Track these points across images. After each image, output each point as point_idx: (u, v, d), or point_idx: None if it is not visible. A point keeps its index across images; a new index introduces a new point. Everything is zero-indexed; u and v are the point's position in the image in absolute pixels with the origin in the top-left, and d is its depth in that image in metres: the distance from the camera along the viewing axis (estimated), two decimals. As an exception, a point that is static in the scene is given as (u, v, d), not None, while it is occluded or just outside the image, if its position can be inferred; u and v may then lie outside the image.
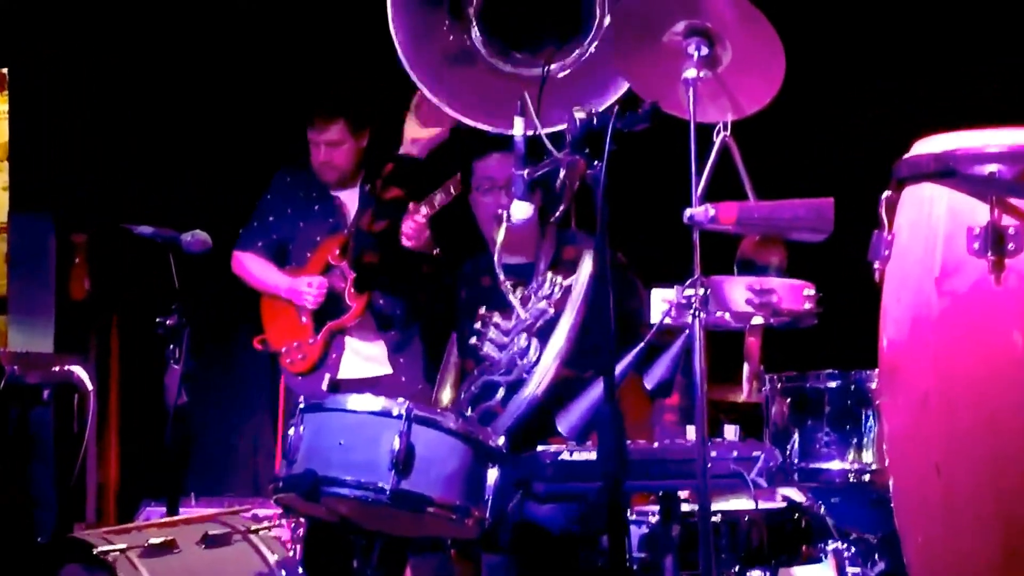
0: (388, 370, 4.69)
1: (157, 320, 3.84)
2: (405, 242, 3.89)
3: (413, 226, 3.86)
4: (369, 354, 4.71)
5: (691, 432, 3.36)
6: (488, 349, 3.64)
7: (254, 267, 4.80)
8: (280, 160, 5.00)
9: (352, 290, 4.65)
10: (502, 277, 3.54)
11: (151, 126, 5.56)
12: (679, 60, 2.93)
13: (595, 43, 3.43)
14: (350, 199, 4.75)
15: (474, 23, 3.48)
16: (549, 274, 3.67)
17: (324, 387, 4.64)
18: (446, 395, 3.91)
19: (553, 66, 3.44)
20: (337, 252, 4.68)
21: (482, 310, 3.68)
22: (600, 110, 2.70)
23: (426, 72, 3.41)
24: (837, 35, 4.82)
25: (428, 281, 3.80)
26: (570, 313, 3.57)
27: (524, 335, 3.59)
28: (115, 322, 5.66)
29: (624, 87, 3.27)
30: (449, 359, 3.95)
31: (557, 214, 3.64)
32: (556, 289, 3.63)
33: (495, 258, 3.52)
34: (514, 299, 3.61)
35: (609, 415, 2.57)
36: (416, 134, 3.66)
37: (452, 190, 4.20)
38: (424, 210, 4.02)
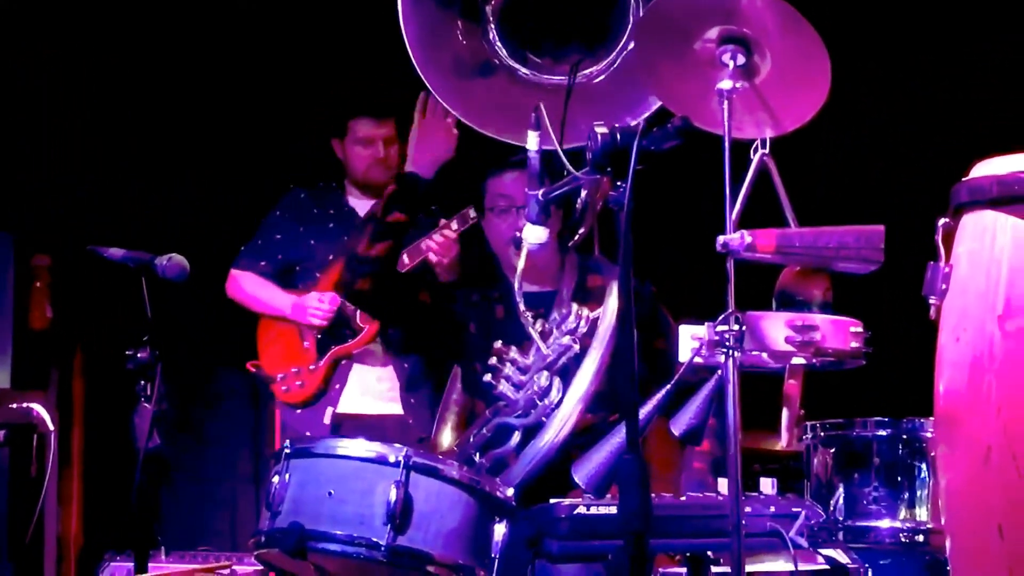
0: (396, 408, 4.70)
1: (127, 353, 3.84)
2: (432, 257, 3.89)
3: (442, 241, 3.88)
4: (377, 388, 4.72)
5: (723, 485, 3.36)
6: (504, 388, 3.63)
7: (253, 287, 4.83)
8: (266, 178, 5.03)
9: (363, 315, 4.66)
10: (522, 307, 3.53)
11: (122, 138, 5.58)
12: (712, 70, 2.94)
13: (629, 47, 3.43)
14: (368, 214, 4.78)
15: (491, 23, 3.49)
16: (574, 306, 3.65)
17: (327, 421, 4.65)
18: (446, 438, 3.90)
19: (581, 74, 3.45)
20: None
21: (497, 344, 3.66)
22: (625, 125, 2.70)
23: (441, 81, 3.42)
24: (889, 43, 4.84)
25: (429, 311, 3.79)
26: (597, 350, 3.55)
27: (545, 373, 3.58)
28: (79, 355, 5.67)
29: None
30: (450, 397, 3.94)
31: (577, 238, 3.68)
32: (582, 323, 3.61)
33: (515, 286, 3.52)
34: (534, 333, 3.59)
35: (632, 465, 2.57)
36: (421, 149, 3.67)
37: (468, 218, 4.26)
38: (455, 225, 4.05)
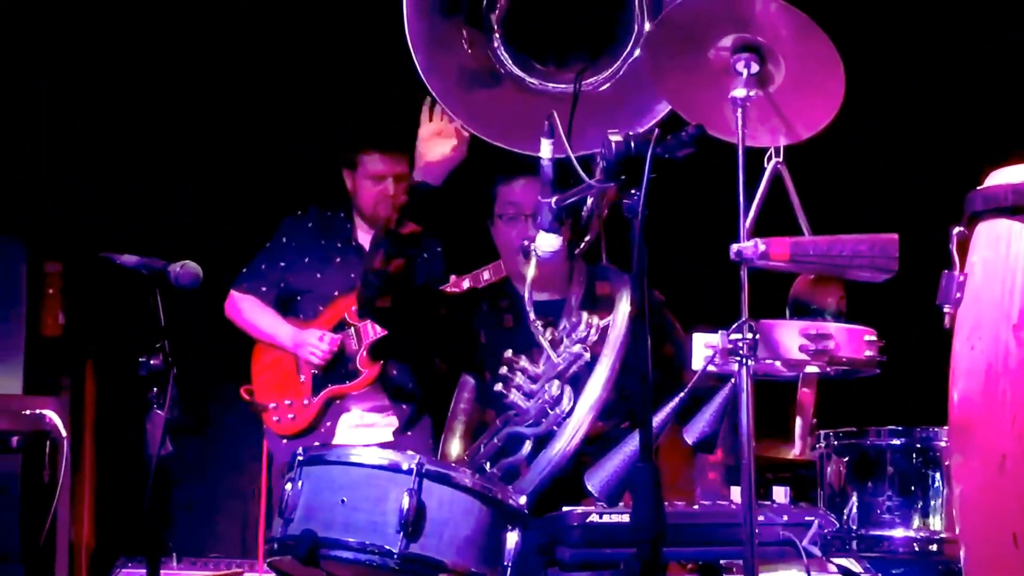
0: (387, 436, 4.65)
1: (140, 360, 3.84)
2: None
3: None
4: (370, 431, 4.66)
5: (736, 493, 3.36)
6: (514, 397, 3.62)
7: (252, 311, 4.77)
8: (277, 188, 5.02)
9: (365, 355, 4.63)
10: (532, 316, 3.53)
11: (134, 145, 5.60)
12: (726, 78, 2.95)
13: (635, 54, 3.43)
14: None
15: (496, 32, 3.50)
16: (584, 314, 3.65)
17: None
18: (454, 447, 3.90)
19: (587, 81, 3.45)
20: (355, 309, 4.67)
21: (508, 353, 3.65)
22: (639, 134, 2.70)
23: (447, 89, 3.43)
24: (903, 51, 4.84)
25: (446, 324, 3.79)
26: (608, 359, 3.55)
27: (556, 382, 3.56)
28: (91, 362, 5.67)
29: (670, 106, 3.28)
30: (457, 406, 3.93)
31: (583, 246, 3.68)
32: (592, 331, 3.60)
33: (526, 295, 3.52)
34: (544, 341, 3.59)
35: (645, 473, 2.57)
36: (429, 157, 3.66)
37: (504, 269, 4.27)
38: (466, 284, 4.04)
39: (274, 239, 4.82)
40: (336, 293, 4.71)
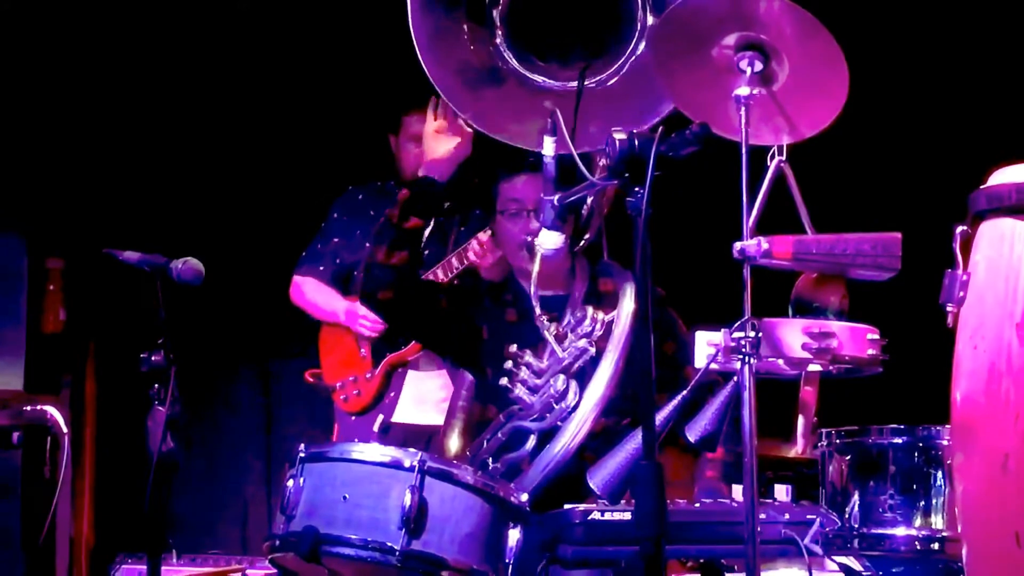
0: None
1: (141, 356, 3.84)
2: (472, 258, 3.86)
3: (478, 250, 3.82)
4: (431, 397, 4.68)
5: (738, 492, 3.36)
6: (519, 392, 3.62)
7: (313, 292, 4.80)
8: (280, 180, 5.02)
9: None
10: (538, 311, 3.53)
11: (136, 140, 5.60)
12: (730, 76, 2.95)
13: (639, 49, 3.43)
14: None
15: (499, 28, 3.50)
16: (589, 309, 3.65)
17: (375, 428, 4.63)
18: (454, 443, 3.90)
19: (591, 78, 3.45)
20: None
21: (512, 348, 3.66)
22: (643, 131, 2.70)
23: (449, 82, 3.43)
24: (906, 49, 4.84)
25: (449, 318, 3.79)
26: (612, 354, 3.55)
27: (562, 377, 3.57)
28: (92, 358, 5.68)
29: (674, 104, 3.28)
30: (455, 403, 3.93)
31: (583, 243, 3.69)
32: (597, 326, 3.61)
33: (531, 290, 3.52)
34: (549, 336, 3.59)
35: (649, 471, 2.57)
36: (434, 153, 3.67)
37: (471, 255, 4.31)
38: (440, 274, 4.04)
39: (327, 218, 4.85)
40: None
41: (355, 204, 4.83)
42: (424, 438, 4.51)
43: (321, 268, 4.80)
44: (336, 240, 4.80)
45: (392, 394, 4.69)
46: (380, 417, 4.64)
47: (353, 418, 4.71)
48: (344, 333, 4.75)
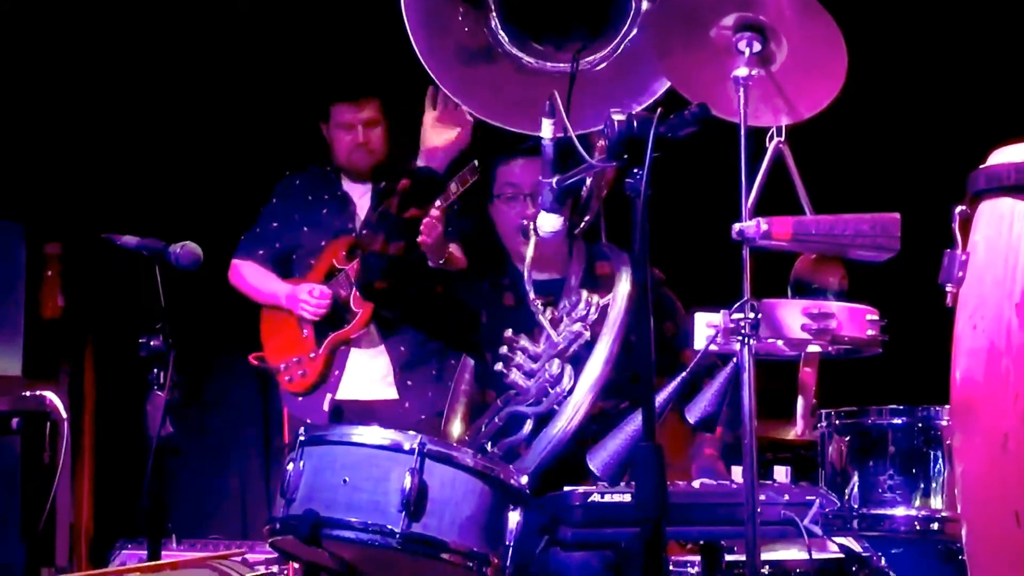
0: (392, 393, 4.70)
1: (140, 341, 3.84)
2: (420, 239, 3.88)
3: (426, 220, 3.83)
4: (374, 372, 4.73)
5: (737, 473, 3.36)
6: (515, 376, 3.62)
7: (252, 276, 4.84)
8: (277, 163, 5.02)
9: (357, 295, 4.66)
10: (532, 295, 3.54)
11: (133, 125, 5.59)
12: (728, 57, 2.95)
13: (632, 33, 3.43)
14: (362, 198, 4.78)
15: (493, 10, 3.49)
16: (584, 292, 3.65)
17: (325, 407, 4.66)
18: (456, 428, 3.90)
19: (584, 61, 3.44)
20: (343, 254, 4.71)
21: (507, 333, 3.66)
22: (641, 112, 2.70)
23: (444, 69, 3.42)
24: (904, 30, 4.83)
25: (445, 305, 3.79)
26: (608, 337, 3.56)
27: (556, 361, 3.57)
28: (90, 343, 5.67)
29: (668, 85, 3.27)
30: (458, 387, 3.93)
31: (583, 225, 3.69)
32: (592, 310, 3.61)
33: (525, 274, 3.53)
34: (544, 320, 3.59)
35: (649, 452, 2.57)
36: (433, 143, 3.66)
37: (468, 176, 4.27)
38: (437, 202, 4.03)
39: (267, 203, 4.88)
40: (323, 243, 4.76)
41: (293, 188, 4.87)
42: (373, 413, 4.54)
43: (260, 252, 4.83)
44: (275, 224, 4.84)
45: (336, 372, 4.72)
46: (328, 396, 4.68)
47: (300, 399, 4.74)
48: (286, 315, 4.77)
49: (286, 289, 4.75)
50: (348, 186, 4.83)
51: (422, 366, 4.72)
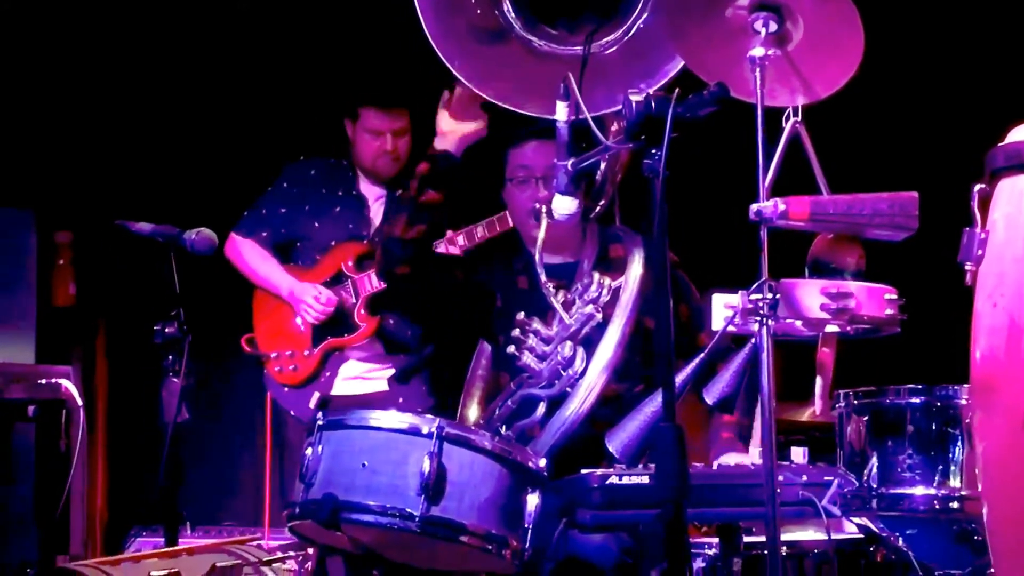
0: (382, 385, 4.71)
1: (155, 328, 3.85)
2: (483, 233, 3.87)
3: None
4: (367, 373, 4.73)
5: (755, 454, 3.37)
6: (527, 359, 3.62)
7: (252, 257, 4.80)
8: (288, 149, 5.01)
9: (362, 310, 4.65)
10: (544, 278, 3.54)
11: (145, 112, 5.58)
12: (744, 37, 2.94)
13: (644, 15, 3.42)
14: (376, 202, 4.77)
15: (505, -7, 3.49)
16: (596, 275, 3.65)
17: (312, 405, 4.65)
18: (473, 412, 3.90)
19: (596, 43, 3.44)
20: (351, 263, 4.69)
21: (520, 316, 3.66)
22: (659, 93, 2.69)
23: (456, 53, 3.41)
24: (921, 7, 4.81)
25: (463, 290, 3.79)
26: (620, 319, 3.56)
27: (568, 343, 3.57)
28: (103, 331, 5.68)
29: (679, 67, 3.27)
30: (476, 371, 3.93)
31: (599, 208, 3.68)
32: (604, 292, 3.61)
33: (536, 257, 3.53)
34: (556, 303, 3.59)
35: (669, 433, 2.57)
36: (449, 127, 3.66)
37: (497, 227, 4.29)
38: (461, 240, 4.05)
39: (276, 184, 4.84)
40: (333, 243, 4.75)
41: (307, 177, 4.83)
42: (365, 404, 4.51)
43: (264, 234, 4.80)
44: (283, 210, 4.80)
45: (328, 374, 4.71)
46: (316, 394, 4.67)
47: (286, 389, 4.73)
48: (283, 304, 4.75)
49: (289, 282, 4.72)
50: (365, 187, 4.79)
51: (420, 374, 4.73)
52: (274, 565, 3.36)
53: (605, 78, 3.37)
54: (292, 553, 4.13)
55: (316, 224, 4.77)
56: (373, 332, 4.67)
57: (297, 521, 3.11)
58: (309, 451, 3.09)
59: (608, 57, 3.47)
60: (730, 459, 3.48)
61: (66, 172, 5.52)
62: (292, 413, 4.72)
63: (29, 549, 4.74)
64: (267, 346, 4.77)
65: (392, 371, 4.74)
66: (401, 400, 4.64)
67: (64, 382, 4.41)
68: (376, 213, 4.76)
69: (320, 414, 3.17)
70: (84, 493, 5.47)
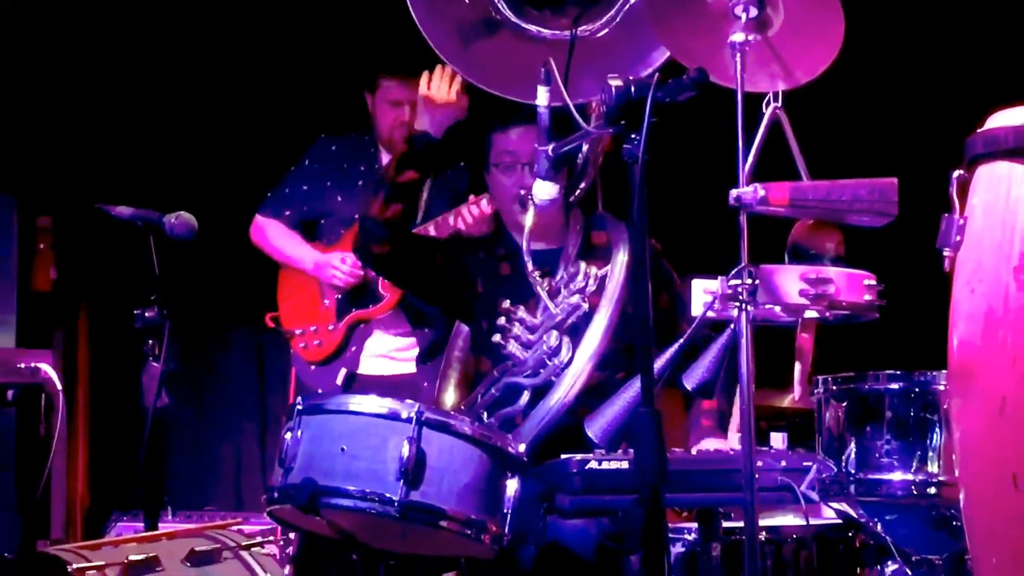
0: (410, 368, 4.69)
1: (135, 312, 3.83)
2: (459, 225, 3.84)
3: (477, 214, 3.82)
4: (394, 352, 4.71)
5: (734, 440, 3.37)
6: (513, 348, 3.62)
7: (277, 236, 4.79)
8: (276, 132, 4.99)
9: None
10: (530, 267, 3.53)
11: (125, 95, 5.56)
12: (725, 22, 2.94)
13: (631, 2, 3.42)
14: None
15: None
16: (582, 264, 3.65)
17: (339, 382, 4.64)
18: (450, 397, 3.91)
19: (583, 28, 3.43)
20: None
21: (505, 304, 3.65)
22: (639, 78, 2.69)
23: (442, 35, 3.41)
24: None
25: (443, 271, 3.78)
26: (606, 309, 3.55)
27: (555, 333, 3.57)
28: (84, 315, 5.66)
29: (668, 53, 3.26)
30: (452, 355, 3.93)
31: (578, 193, 3.68)
32: (590, 281, 3.61)
33: (524, 245, 3.53)
34: (542, 292, 3.59)
35: (648, 418, 2.57)
36: (431, 106, 3.66)
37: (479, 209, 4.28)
38: (485, 203, 4.05)
39: (298, 163, 4.83)
40: (356, 216, 4.72)
41: (328, 154, 4.81)
42: (391, 389, 4.49)
43: (287, 213, 4.79)
44: (305, 188, 4.79)
45: (354, 348, 4.69)
46: (343, 371, 4.65)
47: (312, 367, 4.72)
48: (307, 280, 4.74)
49: (314, 255, 4.70)
50: (385, 160, 4.75)
51: (441, 354, 4.70)
52: (253, 550, 3.35)
53: (597, 63, 3.36)
54: (272, 538, 4.14)
55: (339, 199, 4.75)
56: (397, 303, 4.65)
57: (276, 506, 3.10)
58: (288, 435, 3.08)
59: (599, 42, 3.47)
60: (710, 444, 3.49)
61: (47, 157, 5.49)
62: (319, 391, 4.69)
63: (11, 534, 4.73)
64: (291, 323, 4.77)
65: (417, 351, 4.72)
66: (426, 385, 4.61)
67: (43, 366, 4.39)
68: None
69: (299, 399, 3.17)
70: (64, 477, 5.46)
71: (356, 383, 4.65)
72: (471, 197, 4.36)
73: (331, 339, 4.69)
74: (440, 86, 3.63)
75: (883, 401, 3.13)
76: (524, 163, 3.67)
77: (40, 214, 5.43)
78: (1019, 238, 2.52)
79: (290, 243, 4.77)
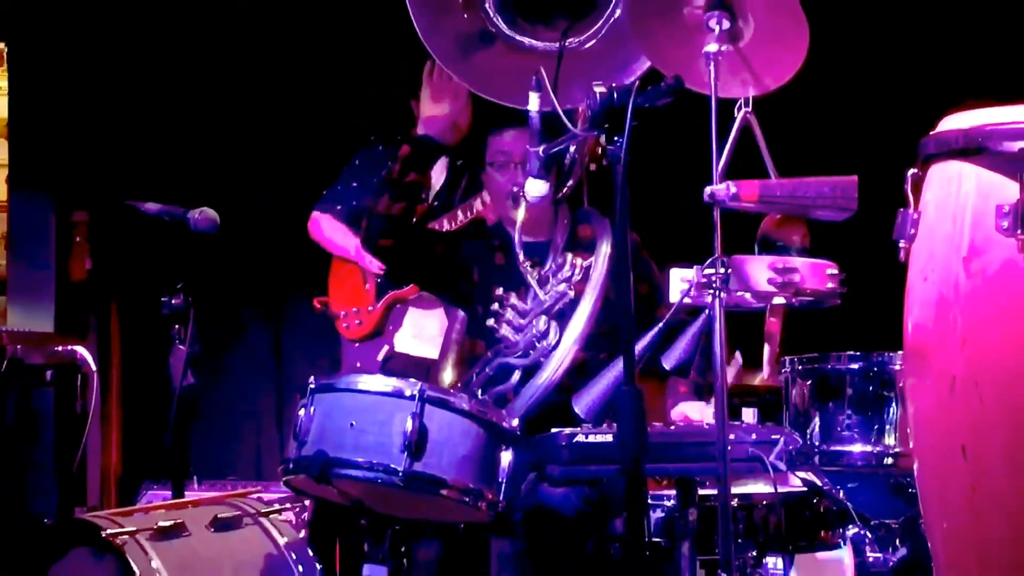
0: (434, 355, 4.70)
1: (162, 300, 3.83)
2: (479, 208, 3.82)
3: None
4: (426, 331, 4.73)
5: (708, 415, 3.38)
6: (505, 331, 3.62)
7: (329, 229, 4.87)
8: (292, 133, 4.99)
9: None
10: (522, 257, 3.54)
11: (154, 99, 5.55)
12: (700, 34, 2.93)
13: (617, 14, 3.41)
14: (437, 170, 4.77)
15: (487, -4, 3.47)
16: (569, 255, 3.65)
17: (379, 358, 4.72)
18: (447, 375, 3.91)
19: (571, 40, 3.42)
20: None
21: (498, 291, 3.66)
22: (621, 85, 2.68)
23: (443, 46, 3.41)
24: (862, 7, 4.81)
25: (443, 262, 3.79)
26: (590, 296, 3.56)
27: (543, 318, 3.58)
28: (115, 303, 5.66)
29: (649, 62, 3.26)
30: (450, 336, 3.94)
31: (565, 190, 3.68)
32: (576, 271, 3.62)
33: (516, 238, 3.53)
34: (532, 281, 3.60)
35: (629, 395, 2.57)
36: (430, 112, 3.65)
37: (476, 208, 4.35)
38: (446, 224, 4.06)
39: (350, 163, 4.90)
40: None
41: (375, 155, 4.83)
42: (423, 370, 4.54)
43: (338, 207, 4.86)
44: (355, 184, 4.85)
45: (391, 327, 4.76)
46: (385, 347, 4.73)
47: (356, 344, 4.81)
48: (352, 268, 4.83)
49: (356, 243, 4.71)
50: None
51: None
52: (271, 516, 3.34)
53: (585, 72, 3.36)
54: (288, 505, 4.14)
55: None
56: None
57: (292, 476, 3.10)
58: (302, 412, 3.09)
59: (587, 52, 3.46)
60: (687, 407, 3.49)
61: (82, 159, 5.49)
62: (359, 365, 4.77)
63: (49, 502, 4.73)
64: (337, 307, 4.87)
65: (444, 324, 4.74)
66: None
67: (79, 348, 4.38)
68: (438, 179, 4.77)
69: (312, 378, 3.17)
70: (99, 450, 5.47)
71: (393, 361, 4.72)
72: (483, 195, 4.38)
73: (370, 319, 4.78)
74: (438, 93, 3.63)
75: (844, 379, 3.15)
76: (517, 163, 3.67)
77: (76, 210, 5.43)
78: (968, 231, 2.53)
79: (337, 234, 4.85)
